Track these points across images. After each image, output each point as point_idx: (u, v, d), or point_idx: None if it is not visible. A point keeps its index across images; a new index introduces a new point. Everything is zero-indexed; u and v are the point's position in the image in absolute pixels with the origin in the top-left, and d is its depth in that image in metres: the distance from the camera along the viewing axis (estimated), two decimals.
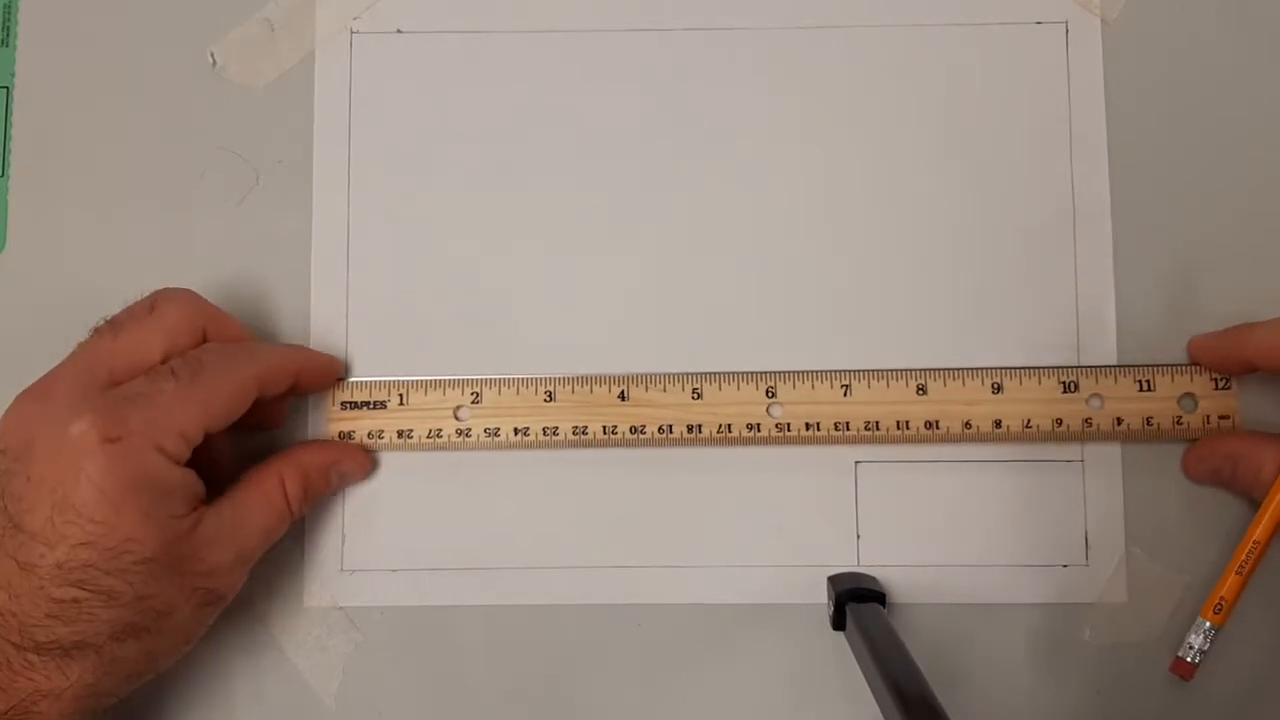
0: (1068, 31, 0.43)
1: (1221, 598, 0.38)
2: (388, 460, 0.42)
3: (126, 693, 0.36)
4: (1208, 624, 0.38)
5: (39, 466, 0.34)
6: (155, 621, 0.35)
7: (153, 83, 0.44)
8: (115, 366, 0.36)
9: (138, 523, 0.34)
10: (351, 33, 0.44)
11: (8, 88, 0.44)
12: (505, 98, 0.44)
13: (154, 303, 0.38)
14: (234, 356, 0.38)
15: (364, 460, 0.41)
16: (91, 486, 0.33)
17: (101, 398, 0.35)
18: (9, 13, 0.45)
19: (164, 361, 0.37)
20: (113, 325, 0.37)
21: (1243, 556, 0.38)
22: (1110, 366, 0.41)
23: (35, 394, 0.35)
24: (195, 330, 0.38)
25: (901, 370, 0.41)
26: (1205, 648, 0.39)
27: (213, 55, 0.44)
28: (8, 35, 0.44)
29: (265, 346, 0.41)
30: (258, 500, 0.38)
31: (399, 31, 0.44)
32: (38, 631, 0.34)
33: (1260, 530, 0.38)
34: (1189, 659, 0.39)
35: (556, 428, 0.41)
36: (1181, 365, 0.41)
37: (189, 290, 0.39)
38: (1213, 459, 0.40)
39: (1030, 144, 0.43)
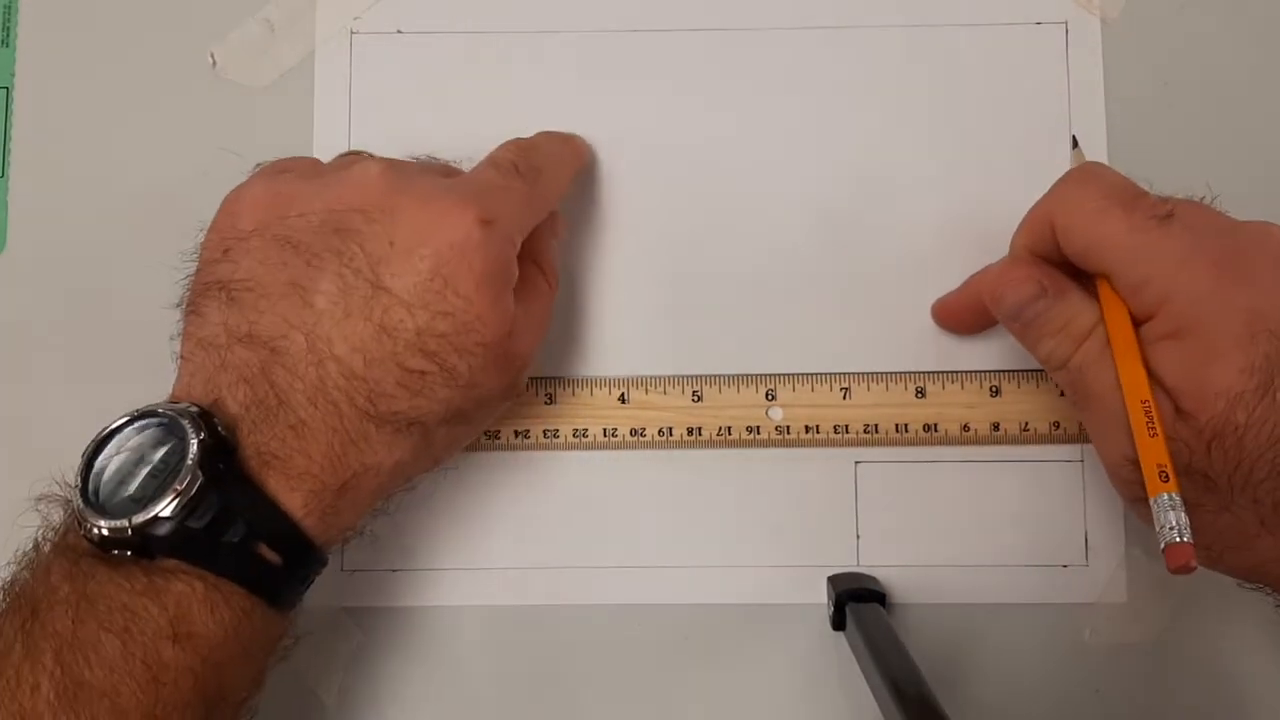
0: (1068, 31, 0.43)
1: (1158, 464, 0.32)
2: None
3: (412, 484, 0.37)
4: (1167, 496, 0.32)
5: (406, 233, 0.33)
6: (473, 409, 0.36)
7: (153, 83, 0.44)
8: (449, 170, 0.37)
9: (489, 305, 0.34)
10: (351, 33, 0.44)
11: (8, 88, 0.44)
12: (505, 98, 0.44)
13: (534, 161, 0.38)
14: (556, 160, 0.40)
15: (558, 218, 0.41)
16: (463, 261, 0.33)
17: (473, 184, 0.36)
18: (9, 13, 0.45)
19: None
20: (449, 166, 0.38)
21: (1143, 417, 0.33)
22: None
23: (380, 170, 0.35)
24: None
25: (900, 373, 0.41)
26: (1184, 521, 0.32)
27: (213, 55, 0.44)
28: (8, 35, 0.44)
29: (558, 143, 0.41)
30: (531, 291, 0.38)
31: (399, 31, 0.44)
32: (383, 401, 0.33)
33: (1140, 389, 0.33)
34: (1181, 539, 0.31)
35: (557, 430, 0.41)
36: None
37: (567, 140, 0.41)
38: (967, 294, 0.40)
39: (1030, 144, 0.43)
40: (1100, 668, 0.41)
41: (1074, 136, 0.41)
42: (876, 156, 0.43)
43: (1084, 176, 0.36)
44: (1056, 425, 0.41)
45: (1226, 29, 0.43)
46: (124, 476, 0.32)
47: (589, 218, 0.43)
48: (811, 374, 0.42)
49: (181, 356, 0.35)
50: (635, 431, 0.41)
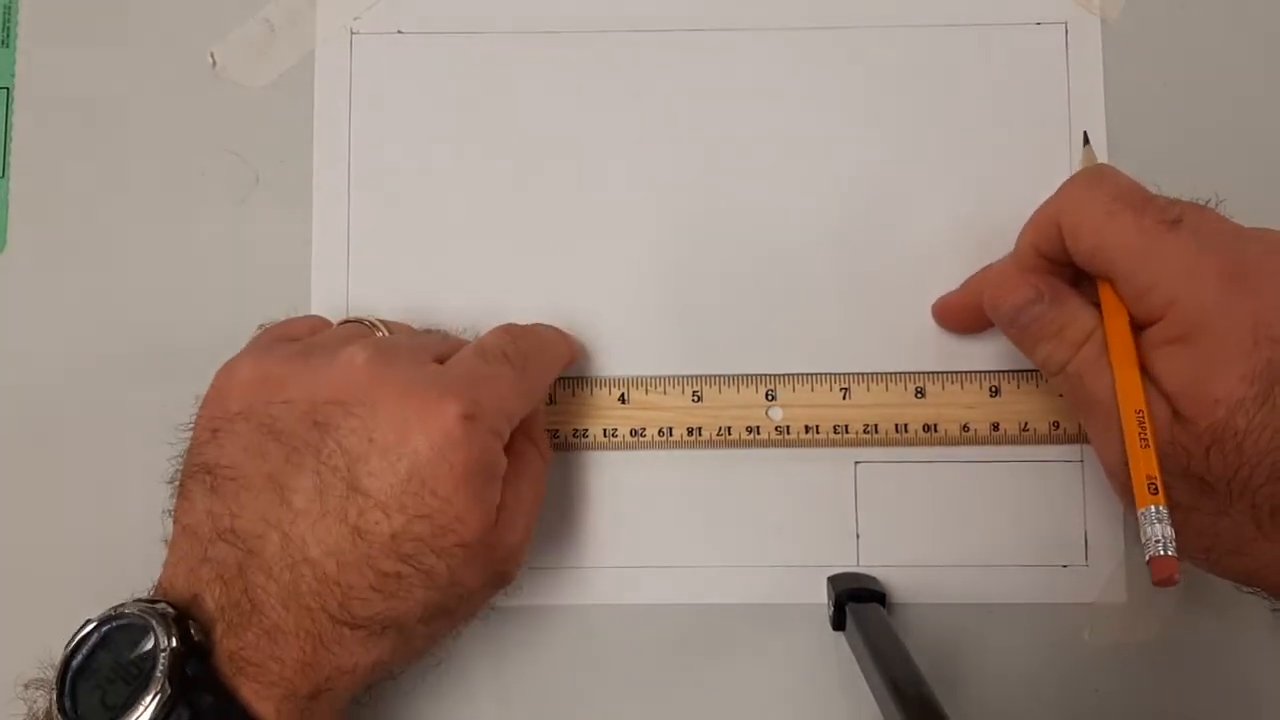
0: (1068, 31, 0.43)
1: (1148, 475, 0.33)
2: None
3: (400, 673, 0.37)
4: (1154, 508, 0.33)
5: (385, 429, 0.33)
6: (456, 605, 0.35)
7: (153, 83, 0.44)
8: (441, 349, 0.37)
9: (469, 504, 0.33)
10: (351, 33, 0.44)
11: (8, 88, 0.44)
12: (505, 97, 0.44)
13: (532, 350, 0.38)
14: (546, 348, 0.39)
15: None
16: (443, 461, 0.33)
17: (458, 374, 0.35)
18: (9, 13, 0.45)
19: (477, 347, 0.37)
20: (442, 332, 0.39)
21: (1136, 427, 0.33)
22: None
23: (366, 358, 0.34)
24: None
25: (900, 373, 0.41)
26: (1169, 534, 0.33)
27: (213, 55, 0.44)
28: (8, 35, 0.44)
29: (552, 333, 0.41)
30: (524, 470, 0.37)
31: (399, 31, 0.44)
32: (357, 605, 0.33)
33: (1135, 398, 0.34)
34: (1165, 552, 0.32)
35: (557, 430, 0.41)
36: None
37: (560, 339, 0.41)
38: (967, 294, 0.40)
39: (1030, 144, 0.43)
40: (1100, 668, 0.41)
41: (1085, 133, 0.41)
42: (876, 156, 0.43)
43: (1093, 178, 0.35)
44: (1056, 425, 0.41)
45: (1226, 29, 0.43)
46: (100, 680, 0.32)
47: (588, 218, 0.43)
48: (811, 374, 0.42)
49: (170, 541, 0.35)
50: (635, 432, 0.41)
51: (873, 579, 0.41)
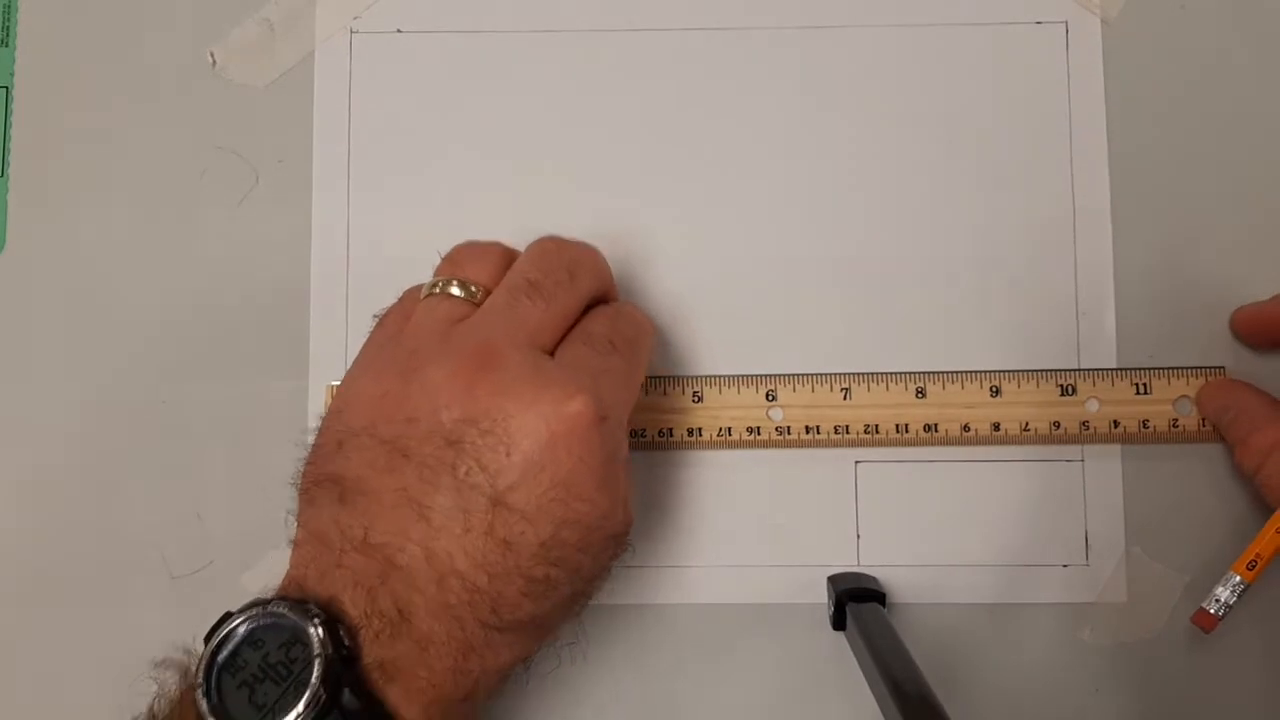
0: (1068, 31, 0.43)
1: (1257, 554, 0.37)
2: None
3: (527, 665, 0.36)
4: (1237, 578, 0.37)
5: (524, 441, 0.32)
6: (595, 588, 0.35)
7: (153, 83, 0.44)
8: (547, 336, 0.35)
9: (611, 501, 0.34)
10: (351, 33, 0.44)
11: (8, 88, 0.44)
12: (505, 97, 0.44)
13: (571, 270, 0.36)
14: (645, 330, 0.38)
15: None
16: (583, 465, 0.33)
17: (577, 370, 0.34)
18: (9, 13, 0.45)
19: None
20: (539, 292, 0.35)
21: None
22: (1108, 370, 0.41)
23: (478, 363, 0.33)
24: (598, 298, 0.38)
25: (901, 373, 0.41)
26: (1231, 602, 0.37)
27: (213, 55, 0.44)
28: (8, 35, 0.44)
29: (636, 310, 0.40)
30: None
31: (399, 31, 0.44)
32: (507, 611, 0.33)
33: None
34: (1213, 610, 0.37)
35: None
36: (1178, 368, 0.41)
37: (596, 252, 0.38)
38: (1220, 398, 0.40)
39: (1030, 144, 0.43)
40: (1100, 668, 0.41)
41: None
42: (876, 156, 0.43)
43: None
44: (1056, 425, 0.41)
45: (1226, 29, 0.43)
46: (246, 677, 0.31)
47: (587, 218, 0.43)
48: (812, 374, 0.42)
49: (296, 542, 0.34)
50: (635, 433, 0.41)
51: (873, 579, 0.41)
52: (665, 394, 0.42)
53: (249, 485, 0.42)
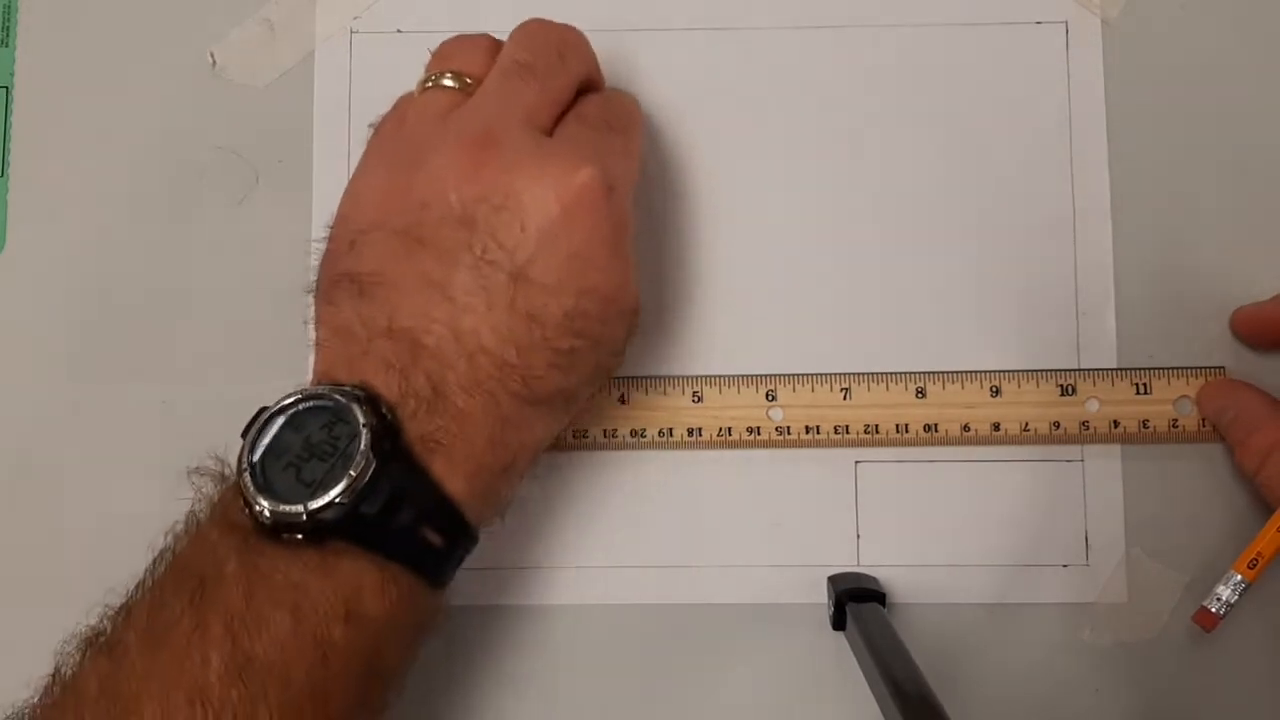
0: (1068, 31, 0.43)
1: (1258, 553, 0.38)
2: None
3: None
4: (1238, 577, 0.38)
5: (537, 215, 0.33)
6: (614, 362, 0.37)
7: (153, 83, 0.44)
8: (544, 116, 0.35)
9: (624, 271, 0.35)
10: (351, 33, 0.44)
11: (8, 88, 0.44)
12: None
13: (560, 51, 0.37)
14: (636, 111, 0.39)
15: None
16: (597, 235, 0.33)
17: (579, 144, 0.35)
18: (9, 13, 0.45)
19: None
20: (532, 73, 0.36)
21: None
22: (1108, 370, 0.41)
23: (481, 143, 0.34)
24: (588, 81, 0.38)
25: (901, 373, 0.41)
26: (1232, 601, 0.38)
27: (213, 55, 0.44)
28: (8, 35, 0.44)
29: (622, 95, 0.40)
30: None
31: (399, 31, 0.44)
32: (537, 384, 0.33)
33: None
34: (1214, 610, 0.38)
35: None
36: (1178, 368, 0.41)
37: (581, 34, 0.38)
38: (1221, 399, 0.40)
39: (1030, 144, 0.43)
40: (1100, 668, 0.41)
41: None
42: (876, 156, 0.43)
43: None
44: (1056, 425, 0.41)
45: (1227, 28, 0.43)
46: (291, 458, 0.32)
47: None
48: (812, 374, 0.42)
49: (319, 343, 0.35)
50: (635, 433, 0.41)
51: (873, 579, 0.41)
52: (665, 394, 0.42)
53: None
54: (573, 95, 0.37)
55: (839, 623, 0.40)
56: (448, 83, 0.36)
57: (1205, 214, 0.42)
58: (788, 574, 0.42)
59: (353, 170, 0.43)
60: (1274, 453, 0.38)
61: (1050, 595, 0.41)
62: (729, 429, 0.41)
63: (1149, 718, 0.41)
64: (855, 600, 0.39)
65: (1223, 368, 0.41)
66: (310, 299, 0.36)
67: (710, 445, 0.41)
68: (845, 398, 0.41)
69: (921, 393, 0.41)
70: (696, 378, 0.42)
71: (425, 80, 0.37)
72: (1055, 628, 0.41)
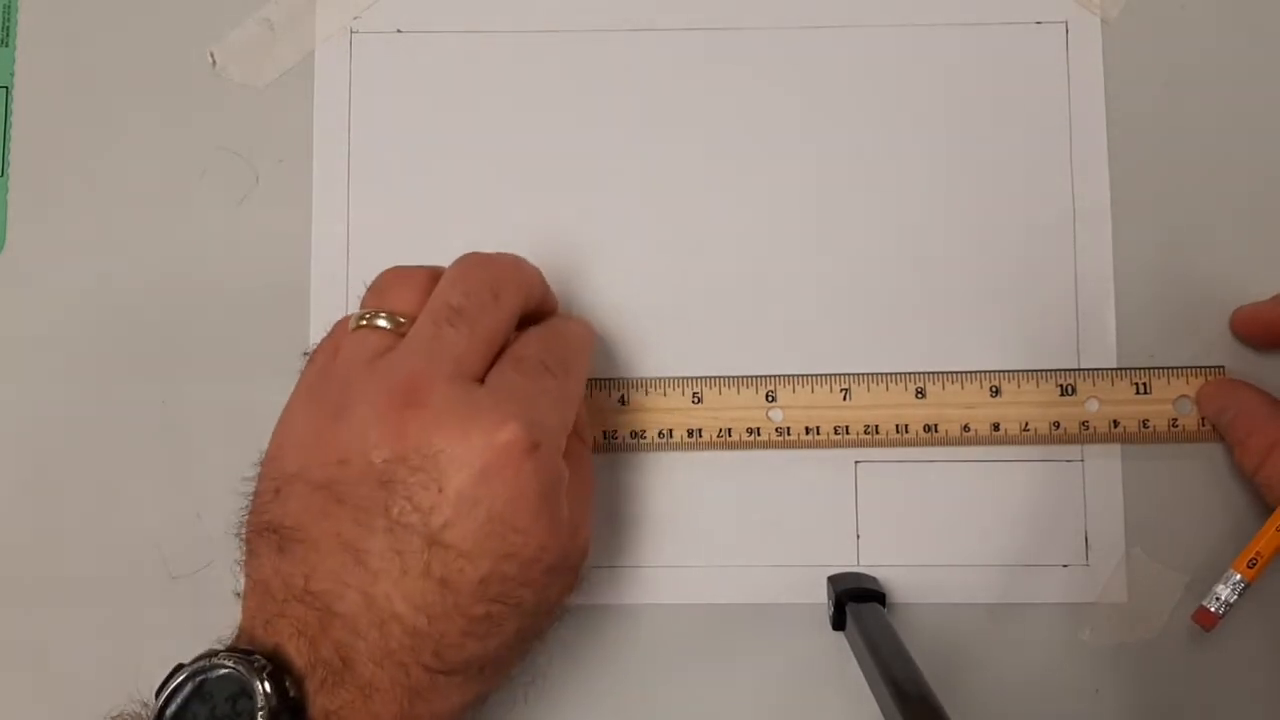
0: (1068, 31, 0.43)
1: (1257, 552, 0.38)
2: None
3: (491, 698, 0.36)
4: (1238, 576, 0.38)
5: (455, 476, 0.32)
6: (544, 622, 0.35)
7: (153, 83, 0.44)
8: (475, 363, 0.34)
9: (549, 530, 0.33)
10: (351, 33, 0.44)
11: (8, 88, 0.44)
12: (505, 98, 0.44)
13: (496, 290, 0.35)
14: (576, 344, 0.37)
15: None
16: (519, 496, 0.32)
17: (507, 397, 0.33)
18: (9, 13, 0.45)
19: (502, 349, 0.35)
20: (463, 318, 0.34)
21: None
22: (1108, 370, 0.41)
23: (405, 399, 0.32)
24: (538, 306, 0.37)
25: (900, 374, 0.41)
26: (1232, 600, 0.38)
27: (213, 55, 0.44)
28: (8, 35, 0.44)
29: (572, 324, 0.39)
30: (577, 467, 0.36)
31: (399, 31, 0.44)
32: (450, 652, 0.32)
33: None
34: (1214, 609, 0.38)
35: None
36: (1178, 368, 0.41)
37: (522, 264, 0.37)
38: (1220, 399, 0.40)
39: (1030, 144, 0.43)
40: (1100, 668, 0.41)
41: None
42: (876, 156, 0.43)
43: None
44: (1056, 425, 0.41)
45: (1227, 29, 0.43)
46: None
47: (587, 218, 0.43)
48: (811, 375, 0.42)
49: (244, 591, 0.34)
50: (635, 434, 0.41)
51: (873, 579, 0.41)
52: (665, 395, 0.42)
53: (249, 485, 0.42)
54: (509, 332, 0.36)
55: (839, 623, 0.40)
56: (381, 323, 0.35)
57: (1205, 214, 0.42)
58: (788, 574, 0.42)
59: (351, 179, 0.43)
60: (1273, 452, 0.38)
61: (1050, 595, 0.41)
62: (729, 430, 0.41)
63: (1149, 718, 0.41)
64: (855, 600, 0.39)
65: (1222, 368, 0.41)
66: (240, 537, 0.35)
67: (710, 446, 0.41)
68: (845, 398, 0.41)
69: (921, 393, 0.41)
70: (696, 379, 0.42)
71: (360, 316, 0.36)
72: (1055, 628, 0.41)
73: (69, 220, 0.44)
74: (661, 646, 0.42)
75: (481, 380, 0.34)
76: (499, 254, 0.37)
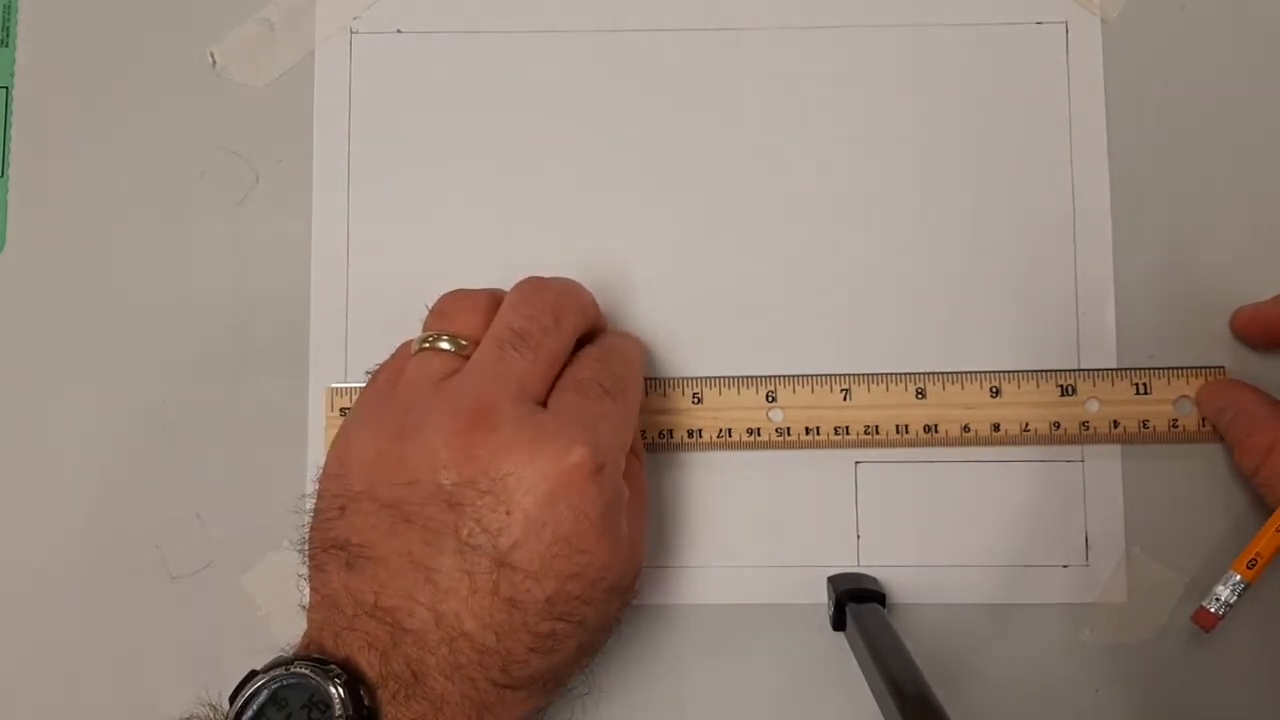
0: (1068, 31, 0.43)
1: (1257, 553, 0.38)
2: None
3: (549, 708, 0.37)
4: (1238, 577, 0.38)
5: (523, 499, 0.33)
6: (603, 637, 0.36)
7: (153, 83, 0.44)
8: (538, 386, 0.35)
9: (612, 550, 0.34)
10: (351, 33, 0.44)
11: (8, 88, 0.44)
12: (505, 98, 0.44)
13: (557, 314, 0.36)
14: (632, 364, 0.38)
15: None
16: (584, 518, 0.33)
17: (570, 419, 0.34)
18: (9, 13, 0.45)
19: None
20: (526, 341, 0.35)
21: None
22: (1108, 370, 0.41)
23: (472, 421, 0.33)
24: (590, 328, 0.38)
25: (901, 374, 0.41)
26: (1231, 601, 0.38)
27: (213, 55, 0.44)
28: (8, 35, 0.44)
29: (629, 343, 0.40)
30: (633, 485, 0.37)
31: (399, 31, 0.44)
32: (517, 668, 0.33)
33: None
34: (1213, 609, 0.38)
35: None
36: (1178, 368, 0.41)
37: (578, 287, 0.38)
38: (1220, 399, 0.40)
39: (1030, 144, 0.43)
40: (1100, 668, 0.41)
41: None
42: (876, 157, 0.43)
43: None
44: (1056, 425, 0.41)
45: (1227, 28, 0.43)
46: None
47: (587, 218, 0.43)
48: (812, 375, 0.42)
49: (310, 605, 0.35)
50: None
51: (873, 579, 0.41)
52: (665, 395, 0.42)
53: (249, 485, 0.42)
54: (569, 354, 0.37)
55: (839, 623, 0.40)
56: (444, 345, 0.36)
57: (1205, 214, 0.42)
58: (788, 574, 0.42)
59: (350, 179, 0.43)
60: (1273, 453, 0.38)
61: (1050, 595, 0.41)
62: (729, 430, 0.41)
63: (1149, 718, 0.41)
64: (855, 600, 0.39)
65: (1223, 368, 0.41)
66: (302, 553, 0.36)
67: (710, 447, 0.41)
68: (845, 398, 0.41)
69: (921, 393, 0.41)
70: (696, 379, 0.42)
71: (423, 339, 0.36)
72: (1055, 628, 0.41)
73: (69, 220, 0.44)
74: (661, 646, 0.42)
75: (543, 402, 0.35)
76: (557, 278, 0.38)
